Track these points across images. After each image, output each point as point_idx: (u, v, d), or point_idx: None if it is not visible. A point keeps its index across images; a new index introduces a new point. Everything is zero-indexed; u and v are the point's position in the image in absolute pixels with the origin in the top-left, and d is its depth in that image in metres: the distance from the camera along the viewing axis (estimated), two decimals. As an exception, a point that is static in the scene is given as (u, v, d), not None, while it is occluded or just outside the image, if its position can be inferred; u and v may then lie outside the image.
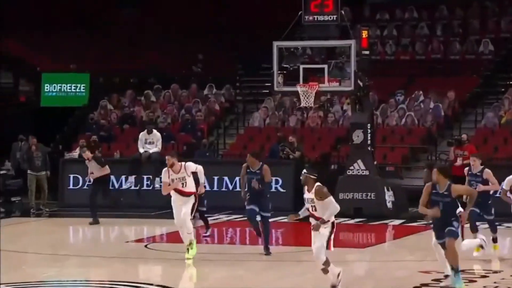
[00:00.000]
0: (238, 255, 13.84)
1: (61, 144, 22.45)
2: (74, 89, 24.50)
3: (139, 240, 15.63)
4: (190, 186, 12.66)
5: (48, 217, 18.28)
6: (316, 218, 10.42)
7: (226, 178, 19.77)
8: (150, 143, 20.04)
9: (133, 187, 20.02)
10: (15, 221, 18.13)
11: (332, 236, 10.46)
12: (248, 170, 13.17)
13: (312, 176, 10.51)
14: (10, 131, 22.29)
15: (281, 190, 19.48)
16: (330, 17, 18.07)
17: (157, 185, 19.63)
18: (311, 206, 10.41)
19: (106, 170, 17.40)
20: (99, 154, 21.01)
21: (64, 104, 23.89)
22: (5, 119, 23.13)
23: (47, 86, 24.36)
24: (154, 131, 20.31)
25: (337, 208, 10.42)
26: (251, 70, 24.16)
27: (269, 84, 19.05)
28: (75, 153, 20.89)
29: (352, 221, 17.75)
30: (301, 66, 18.01)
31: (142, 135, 20.16)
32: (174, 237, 15.42)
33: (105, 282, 11.36)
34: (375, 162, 18.91)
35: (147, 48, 25.40)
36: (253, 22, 25.46)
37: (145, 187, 19.96)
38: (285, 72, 18.06)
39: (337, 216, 18.26)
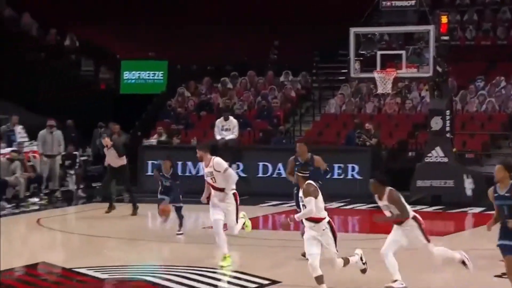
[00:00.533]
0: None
1: (139, 131, 22.79)
2: (152, 76, 24.85)
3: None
4: (222, 182, 11.51)
5: (127, 203, 18.58)
6: (308, 219, 9.81)
7: (302, 165, 19.71)
8: (226, 129, 20.17)
9: (209, 174, 20.17)
10: (96, 207, 18.49)
11: (336, 232, 9.81)
12: (297, 163, 11.86)
13: (300, 174, 9.90)
14: (91, 118, 22.75)
15: (358, 177, 19.38)
16: (409, 3, 17.83)
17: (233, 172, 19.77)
18: (302, 205, 9.83)
19: (123, 161, 16.76)
20: (177, 140, 21.27)
21: (143, 92, 24.24)
22: (86, 106, 23.62)
23: (126, 73, 24.76)
24: (231, 117, 20.43)
25: (311, 211, 9.62)
26: (327, 56, 24.04)
27: (346, 70, 18.92)
28: (154, 140, 21.22)
29: (430, 209, 17.52)
30: (379, 52, 17.84)
31: (219, 122, 20.31)
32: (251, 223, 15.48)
33: (182, 267, 11.49)
34: (454, 149, 18.61)
35: (223, 35, 25.53)
36: (330, 8, 25.27)
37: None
38: (362, 58, 17.93)
39: (415, 203, 18.18)
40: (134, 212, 16.70)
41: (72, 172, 20.49)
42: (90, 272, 11.22)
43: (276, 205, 18.12)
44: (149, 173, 20.12)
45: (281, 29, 25.43)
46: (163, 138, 21.19)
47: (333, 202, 18.30)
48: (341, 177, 19.49)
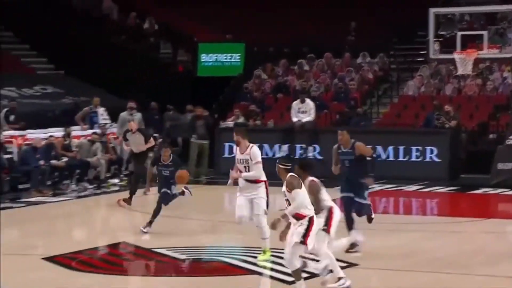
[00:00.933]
0: (392, 225, 13.71)
1: (216, 113, 22.95)
2: (229, 58, 24.94)
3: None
4: (255, 172, 10.79)
5: (204, 185, 18.79)
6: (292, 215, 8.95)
7: (379, 147, 19.61)
8: (303, 112, 20.17)
9: (286, 156, 20.24)
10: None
11: (311, 233, 8.86)
12: (339, 151, 11.30)
13: (281, 166, 9.08)
14: (169, 100, 23.01)
15: (436, 159, 19.12)
16: (491, -19, 17.47)
17: (310, 154, 19.77)
18: (285, 200, 9.02)
19: (151, 143, 15.88)
20: (258, 122, 21.32)
21: (220, 74, 24.34)
22: (164, 88, 23.89)
23: (203, 56, 24.92)
24: (307, 100, 20.40)
25: (303, 203, 8.82)
26: (405, 38, 23.71)
27: (425, 52, 18.67)
28: (230, 122, 21.35)
29: (511, 192, 17.18)
30: (459, 33, 17.52)
31: (295, 104, 20.32)
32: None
33: (259, 249, 11.53)
34: (537, 131, 18.19)
35: (300, 17, 25.43)
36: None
37: (298, 156, 20.11)
38: (441, 39, 17.67)
39: (495, 186, 17.85)
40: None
41: (151, 154, 20.78)
42: (169, 253, 11.39)
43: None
44: (226, 155, 20.30)
45: (358, 10, 25.18)
46: (240, 120, 21.31)
47: (411, 185, 18.14)
48: (419, 159, 19.27)
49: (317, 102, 20.91)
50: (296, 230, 8.89)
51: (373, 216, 11.31)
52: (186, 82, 24.77)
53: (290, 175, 9.01)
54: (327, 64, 23.66)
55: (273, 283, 9.86)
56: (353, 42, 25.00)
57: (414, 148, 19.27)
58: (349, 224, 11.16)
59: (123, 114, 20.18)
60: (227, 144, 20.50)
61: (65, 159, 18.42)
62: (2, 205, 16.21)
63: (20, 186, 17.85)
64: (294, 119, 20.14)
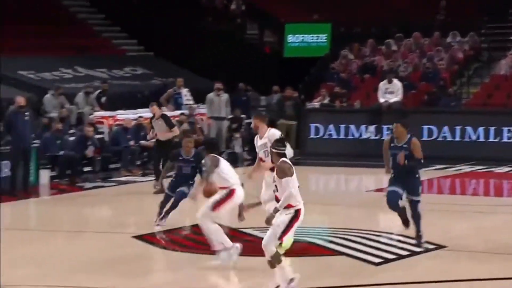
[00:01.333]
0: (483, 207, 13.46)
1: (303, 94, 22.91)
2: (316, 39, 24.84)
3: (379, 190, 15.65)
4: None
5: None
6: (279, 201, 8.54)
7: (468, 128, 19.25)
8: (390, 92, 19.94)
9: (373, 137, 20.07)
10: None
11: (294, 224, 8.51)
12: (392, 144, 10.38)
13: (274, 150, 8.54)
14: (256, 81, 23.08)
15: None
16: None
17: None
18: (275, 185, 8.56)
19: (174, 132, 14.98)
20: (344, 104, 21.14)
21: (306, 55, 24.27)
22: (251, 69, 23.96)
23: (290, 36, 24.89)
24: (395, 80, 20.15)
25: (291, 193, 8.34)
26: (497, 16, 23.08)
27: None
28: (317, 103, 21.29)
29: None
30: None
31: (382, 84, 20.10)
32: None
33: (347, 230, 11.51)
34: None
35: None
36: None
37: (384, 137, 19.91)
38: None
39: None
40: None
41: (237, 135, 20.93)
42: (256, 233, 11.46)
43: (440, 169, 17.75)
44: (312, 136, 20.30)
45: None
46: (326, 101, 21.22)
47: (502, 166, 17.74)
48: (511, 140, 18.81)
49: (404, 82, 20.62)
50: (279, 219, 8.45)
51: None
52: (273, 63, 24.80)
53: (282, 161, 8.51)
54: (415, 44, 23.27)
55: (359, 263, 9.81)
56: (442, 21, 24.48)
57: (505, 129, 18.83)
58: (405, 218, 10.46)
59: (210, 95, 20.37)
60: (313, 125, 20.47)
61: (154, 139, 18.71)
62: (94, 184, 16.66)
63: (111, 166, 18.27)
64: (381, 100, 19.93)
